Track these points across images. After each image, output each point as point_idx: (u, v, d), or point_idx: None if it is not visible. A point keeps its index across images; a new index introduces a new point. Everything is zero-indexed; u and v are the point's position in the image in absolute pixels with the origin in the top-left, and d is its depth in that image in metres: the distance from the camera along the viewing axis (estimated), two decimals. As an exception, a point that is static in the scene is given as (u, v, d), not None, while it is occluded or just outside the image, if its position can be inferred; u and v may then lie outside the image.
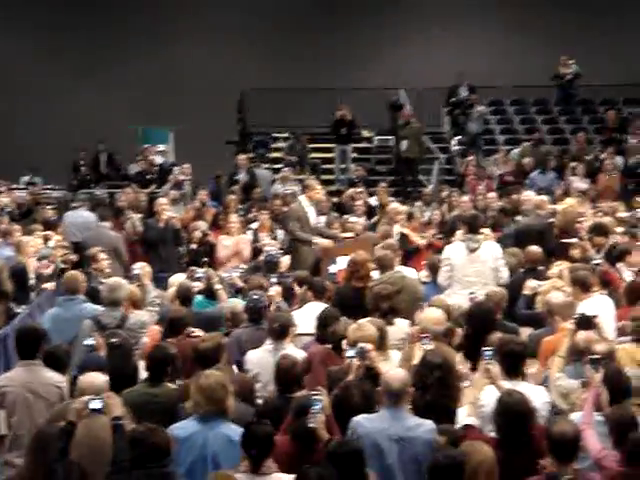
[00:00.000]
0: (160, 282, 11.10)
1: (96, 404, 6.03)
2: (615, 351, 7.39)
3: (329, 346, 7.97)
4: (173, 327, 8.40)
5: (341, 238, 12.54)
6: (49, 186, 20.27)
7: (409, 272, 10.56)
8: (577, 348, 7.43)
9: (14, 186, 19.08)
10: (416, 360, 7.18)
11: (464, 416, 6.68)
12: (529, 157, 19.60)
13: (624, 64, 23.41)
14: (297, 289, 9.95)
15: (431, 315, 7.80)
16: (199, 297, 9.94)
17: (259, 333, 8.41)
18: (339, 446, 5.86)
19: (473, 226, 10.88)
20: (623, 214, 14.29)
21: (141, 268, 10.45)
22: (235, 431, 6.16)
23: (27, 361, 7.25)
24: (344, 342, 7.52)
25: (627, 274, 10.50)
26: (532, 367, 7.37)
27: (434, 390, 6.68)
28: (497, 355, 6.82)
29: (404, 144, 20.65)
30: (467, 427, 6.49)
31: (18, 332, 7.63)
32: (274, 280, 10.26)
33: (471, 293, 9.46)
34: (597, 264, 10.51)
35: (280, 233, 13.78)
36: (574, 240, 11.60)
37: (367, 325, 7.66)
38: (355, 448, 5.85)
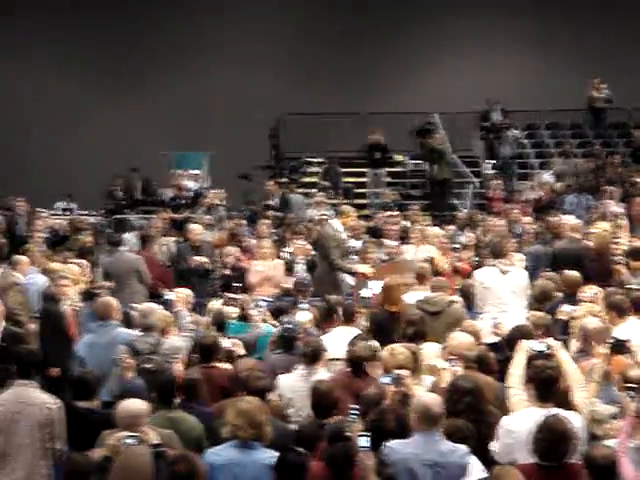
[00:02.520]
0: (193, 308, 11.11)
1: (132, 441, 6.03)
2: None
3: (348, 370, 7.96)
4: (203, 353, 8.40)
5: (354, 272, 12.28)
6: (85, 212, 20.39)
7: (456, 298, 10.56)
8: (611, 373, 7.36)
9: (51, 212, 19.22)
10: (444, 384, 7.17)
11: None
12: (562, 174, 19.66)
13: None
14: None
15: (461, 340, 7.75)
16: (234, 322, 9.96)
17: (291, 358, 8.44)
18: None
19: (498, 251, 10.82)
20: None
21: (176, 294, 10.47)
22: (272, 457, 6.16)
23: (23, 381, 7.27)
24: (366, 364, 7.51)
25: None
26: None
27: (465, 416, 6.64)
28: (529, 380, 6.75)
29: (435, 168, 20.72)
30: None
31: (17, 353, 7.66)
32: (304, 305, 10.26)
33: (494, 319, 9.41)
34: (633, 289, 10.42)
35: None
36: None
37: (400, 350, 7.64)
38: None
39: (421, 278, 10.79)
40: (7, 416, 7.10)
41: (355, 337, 8.58)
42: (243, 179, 21.46)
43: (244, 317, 10.01)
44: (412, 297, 10.45)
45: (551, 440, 6.04)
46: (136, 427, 6.31)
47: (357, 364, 7.89)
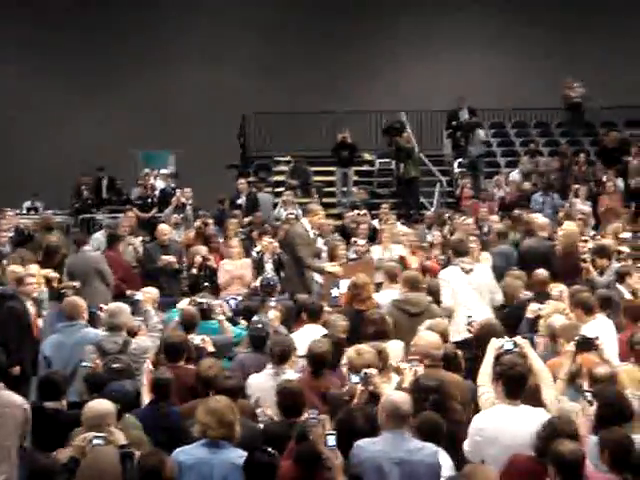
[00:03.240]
0: (162, 307, 11.06)
1: (99, 442, 6.00)
2: (617, 374, 7.36)
3: (309, 369, 7.97)
4: (170, 353, 8.37)
5: (323, 271, 12.14)
6: (50, 211, 20.29)
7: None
8: (578, 370, 7.41)
9: (17, 212, 19.07)
10: (406, 383, 7.18)
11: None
12: (529, 173, 19.80)
13: (624, 86, 23.45)
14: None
15: (427, 339, 7.76)
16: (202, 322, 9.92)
17: (261, 358, 8.43)
18: None
19: (460, 250, 10.82)
20: (625, 235, 14.29)
21: (143, 293, 10.41)
22: (240, 456, 6.15)
23: None
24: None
25: (629, 296, 10.52)
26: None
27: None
28: (497, 378, 6.77)
29: (402, 167, 20.80)
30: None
31: None
32: (272, 304, 10.24)
33: (469, 317, 9.42)
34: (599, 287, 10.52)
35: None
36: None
37: (366, 349, 7.65)
38: None
39: (391, 277, 10.79)
40: None
41: (322, 336, 8.56)
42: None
43: (207, 315, 9.95)
44: (383, 296, 10.47)
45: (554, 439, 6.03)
46: (103, 428, 6.28)
47: (317, 363, 7.87)
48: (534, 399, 6.86)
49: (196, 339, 8.95)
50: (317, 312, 9.54)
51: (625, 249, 12.64)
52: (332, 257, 13.12)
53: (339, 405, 7.09)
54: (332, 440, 6.17)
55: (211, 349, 8.96)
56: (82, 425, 6.44)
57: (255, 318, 9.32)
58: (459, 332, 9.50)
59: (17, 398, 7.13)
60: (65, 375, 7.79)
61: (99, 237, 14.85)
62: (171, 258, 13.40)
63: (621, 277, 11.03)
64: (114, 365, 7.69)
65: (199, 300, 10.09)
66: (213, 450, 6.24)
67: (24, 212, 20.70)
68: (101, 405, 6.51)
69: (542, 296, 10.19)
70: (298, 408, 6.91)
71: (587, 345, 7.59)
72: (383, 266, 11.72)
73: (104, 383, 7.30)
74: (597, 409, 6.49)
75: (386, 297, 10.31)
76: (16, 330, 10.11)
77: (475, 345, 8.32)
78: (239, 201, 18.82)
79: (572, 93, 22.73)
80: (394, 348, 8.44)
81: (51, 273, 11.68)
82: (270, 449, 6.04)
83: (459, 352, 8.01)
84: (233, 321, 10.24)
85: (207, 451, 6.25)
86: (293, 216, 15.88)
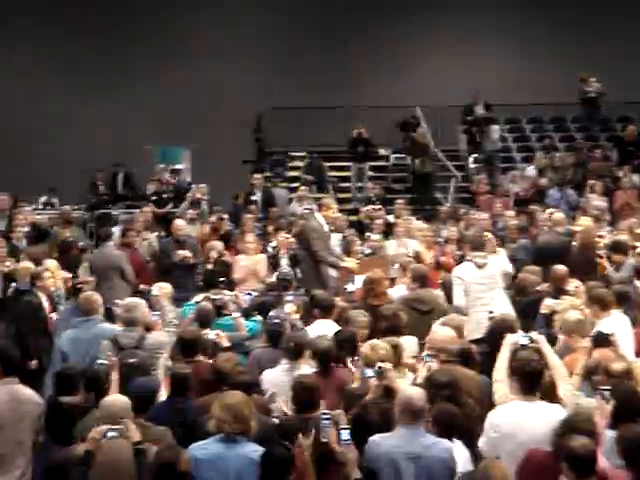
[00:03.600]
0: (177, 302, 11.09)
1: (113, 434, 6.01)
2: (633, 369, 7.36)
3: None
4: (185, 348, 8.38)
5: (339, 266, 12.14)
6: (67, 206, 20.31)
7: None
8: (595, 366, 7.40)
9: (33, 207, 19.14)
10: (419, 379, 7.19)
11: None
12: (545, 169, 19.76)
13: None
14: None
15: (442, 334, 7.75)
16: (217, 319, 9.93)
17: (277, 353, 8.44)
18: None
19: (476, 245, 10.81)
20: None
21: (159, 289, 10.43)
22: (256, 451, 6.16)
23: (9, 378, 7.21)
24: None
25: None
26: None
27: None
28: (513, 374, 6.76)
29: (418, 162, 20.78)
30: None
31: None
32: (289, 298, 10.25)
33: (490, 312, 9.41)
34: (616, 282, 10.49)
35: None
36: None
37: (381, 344, 7.66)
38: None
39: (404, 272, 10.80)
40: (5, 414, 7.02)
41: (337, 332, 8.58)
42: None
43: (220, 312, 9.95)
44: (397, 291, 10.47)
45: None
46: (119, 423, 6.30)
47: (322, 359, 7.87)
48: (550, 395, 6.86)
49: (210, 334, 8.97)
50: (329, 307, 9.52)
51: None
52: (348, 253, 13.12)
53: (354, 400, 7.09)
54: (346, 434, 6.19)
55: (226, 344, 8.97)
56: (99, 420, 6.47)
57: (272, 313, 9.31)
58: (477, 330, 9.44)
59: (32, 393, 7.17)
60: (81, 370, 7.81)
61: (117, 232, 14.91)
62: (187, 253, 13.42)
63: (638, 273, 11.00)
64: (130, 360, 7.71)
65: (213, 297, 10.10)
66: (229, 445, 6.24)
67: (40, 207, 20.76)
68: (117, 400, 6.53)
69: (559, 292, 10.18)
70: (313, 403, 6.92)
71: (603, 341, 7.58)
72: (399, 260, 11.72)
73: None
74: (613, 404, 6.49)
75: (400, 292, 10.31)
76: (32, 324, 10.18)
77: (489, 340, 8.32)
78: (254, 197, 18.83)
79: (588, 88, 22.65)
80: (409, 344, 8.45)
81: (65, 274, 11.74)
82: (286, 444, 6.06)
83: (474, 347, 7.99)
84: (247, 314, 10.23)
85: (223, 446, 6.25)
86: (308, 211, 15.87)
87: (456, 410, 6.57)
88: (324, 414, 6.29)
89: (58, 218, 16.57)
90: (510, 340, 7.33)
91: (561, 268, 10.69)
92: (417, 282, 10.13)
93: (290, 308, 9.75)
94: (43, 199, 21.41)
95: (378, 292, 9.90)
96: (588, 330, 8.16)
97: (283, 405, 7.30)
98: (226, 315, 9.89)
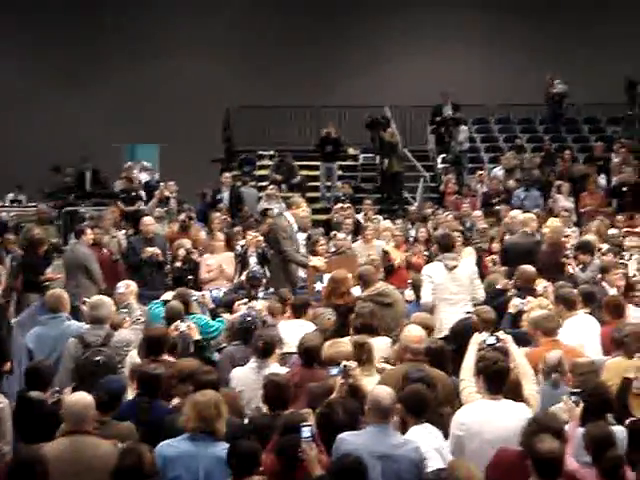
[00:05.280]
0: (143, 300, 11.04)
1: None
2: (599, 365, 7.42)
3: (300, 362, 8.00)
4: (151, 346, 8.34)
5: (307, 265, 11.99)
6: (34, 203, 20.21)
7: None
8: (551, 365, 7.46)
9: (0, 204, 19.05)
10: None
11: None
12: (512, 169, 19.88)
13: (607, 82, 23.53)
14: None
15: (412, 333, 7.76)
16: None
17: (249, 350, 8.38)
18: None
19: (445, 245, 10.83)
20: (612, 231, 14.38)
21: (126, 286, 10.38)
22: (224, 449, 6.13)
23: None
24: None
25: (612, 291, 10.57)
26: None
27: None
28: (479, 373, 6.79)
29: (386, 161, 20.83)
30: None
31: None
32: (260, 296, 10.25)
33: (467, 312, 9.45)
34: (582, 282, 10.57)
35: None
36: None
37: (341, 342, 7.66)
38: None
39: (365, 282, 10.71)
40: None
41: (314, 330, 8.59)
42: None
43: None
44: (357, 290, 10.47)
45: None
46: (85, 421, 6.26)
47: (308, 356, 7.89)
48: (516, 393, 6.89)
49: (182, 326, 8.93)
50: (300, 306, 9.58)
51: (605, 246, 12.71)
52: (313, 252, 13.12)
53: (317, 398, 7.08)
54: (307, 432, 6.16)
55: (197, 337, 8.95)
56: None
57: (245, 310, 9.28)
58: (440, 329, 9.48)
59: None
60: (51, 365, 7.76)
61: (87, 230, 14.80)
62: (155, 249, 13.37)
63: (603, 273, 11.11)
64: (96, 358, 7.67)
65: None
66: (197, 443, 6.23)
67: (6, 204, 20.64)
68: (82, 398, 6.48)
69: (526, 292, 10.22)
70: (284, 401, 6.92)
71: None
72: (364, 260, 11.72)
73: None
74: (583, 401, 6.55)
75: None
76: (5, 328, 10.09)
77: (454, 340, 8.35)
78: (221, 195, 18.77)
79: (552, 89, 22.78)
80: (380, 344, 8.44)
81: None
82: (252, 439, 6.05)
83: (445, 347, 7.98)
84: (214, 314, 10.20)
85: (192, 444, 6.24)
86: (277, 210, 15.88)
87: (426, 392, 6.59)
88: (304, 426, 6.23)
89: (30, 215, 16.47)
90: (476, 339, 7.36)
91: (529, 268, 10.73)
92: (363, 284, 10.09)
93: (261, 304, 9.74)
94: (10, 196, 21.28)
95: (342, 291, 9.92)
96: (553, 326, 8.25)
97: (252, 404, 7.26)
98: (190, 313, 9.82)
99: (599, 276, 11.23)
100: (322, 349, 7.82)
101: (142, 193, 18.80)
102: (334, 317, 9.27)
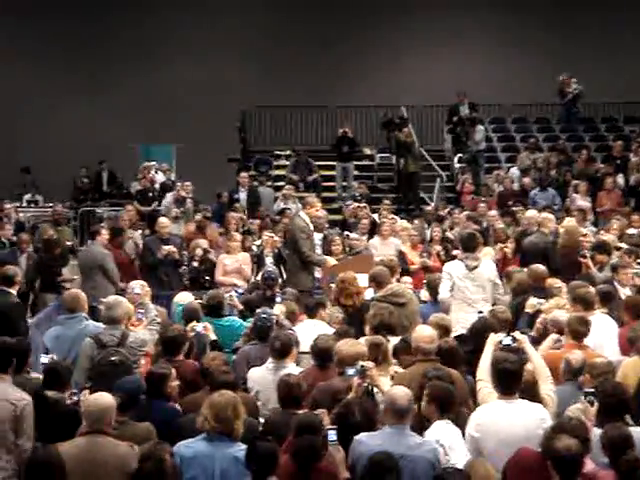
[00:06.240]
0: (159, 301, 11.06)
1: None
2: (615, 366, 7.38)
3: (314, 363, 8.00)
4: (168, 347, 8.36)
5: (324, 264, 12.02)
6: (50, 204, 20.28)
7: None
8: (572, 367, 7.43)
9: (17, 205, 19.10)
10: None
11: None
12: (528, 168, 19.82)
13: (624, 82, 23.44)
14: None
15: (423, 333, 7.74)
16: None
17: (266, 350, 8.37)
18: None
19: (468, 245, 10.82)
20: (632, 231, 14.30)
21: (141, 287, 10.39)
22: (241, 450, 6.15)
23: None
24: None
25: (624, 291, 10.53)
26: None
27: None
28: (492, 373, 6.77)
29: (402, 161, 20.81)
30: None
31: None
32: (278, 299, 10.23)
33: (479, 312, 9.43)
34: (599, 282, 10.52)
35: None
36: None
37: (355, 342, 7.67)
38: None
39: (390, 271, 10.77)
40: None
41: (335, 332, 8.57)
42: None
43: (214, 311, 9.88)
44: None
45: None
46: (104, 422, 6.27)
47: (321, 357, 7.88)
48: (531, 394, 6.86)
49: (198, 326, 8.94)
50: (313, 307, 9.59)
51: (624, 245, 12.64)
52: (329, 252, 13.11)
53: (337, 399, 7.06)
54: (333, 435, 6.18)
55: (213, 337, 8.95)
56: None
57: (260, 310, 9.28)
58: (454, 330, 9.46)
59: (11, 392, 7.06)
60: (69, 365, 7.78)
61: (103, 230, 14.84)
62: (172, 248, 13.38)
63: (613, 271, 11.07)
64: (112, 358, 7.68)
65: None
66: (213, 444, 6.24)
67: (24, 205, 20.72)
68: (102, 399, 6.49)
69: (539, 291, 10.19)
70: (297, 401, 6.93)
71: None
72: (380, 261, 11.70)
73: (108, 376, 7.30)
74: (599, 402, 6.51)
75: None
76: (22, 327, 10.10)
77: (471, 340, 8.33)
78: (238, 195, 18.79)
79: (568, 89, 22.70)
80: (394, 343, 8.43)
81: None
82: (271, 440, 6.04)
83: (457, 346, 7.96)
84: (244, 315, 10.19)
85: (208, 444, 6.25)
86: (294, 210, 15.88)
87: (451, 387, 6.59)
88: (331, 429, 6.24)
89: (47, 216, 16.53)
90: (493, 339, 7.34)
91: (539, 267, 10.71)
92: (376, 285, 10.07)
93: (278, 309, 9.71)
94: (27, 197, 21.37)
95: (351, 292, 9.91)
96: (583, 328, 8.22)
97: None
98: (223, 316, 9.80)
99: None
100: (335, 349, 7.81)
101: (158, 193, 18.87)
102: (342, 315, 9.26)
